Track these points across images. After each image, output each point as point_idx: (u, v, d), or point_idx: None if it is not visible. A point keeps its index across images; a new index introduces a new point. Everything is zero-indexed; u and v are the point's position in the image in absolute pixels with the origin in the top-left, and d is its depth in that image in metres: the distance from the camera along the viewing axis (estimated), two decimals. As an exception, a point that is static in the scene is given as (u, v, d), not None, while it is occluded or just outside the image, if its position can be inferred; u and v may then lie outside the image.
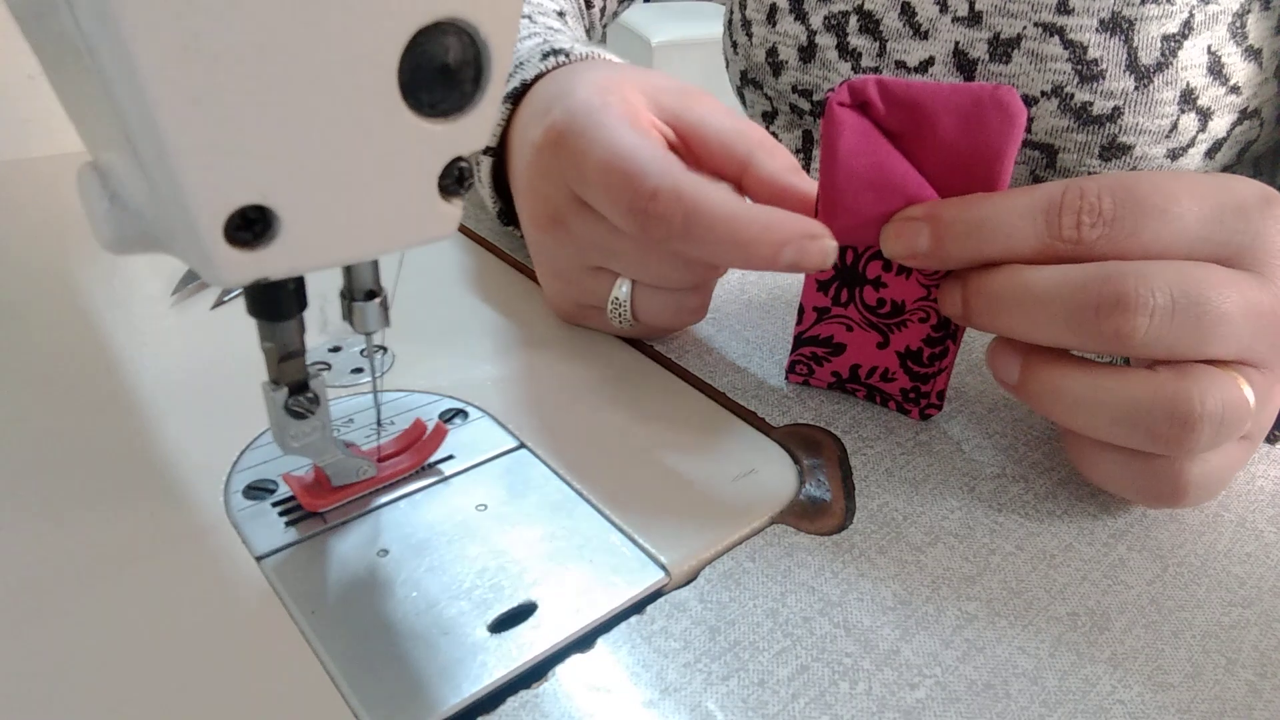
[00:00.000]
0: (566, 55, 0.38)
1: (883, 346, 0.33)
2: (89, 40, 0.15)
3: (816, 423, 0.33)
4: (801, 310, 0.33)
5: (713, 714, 0.22)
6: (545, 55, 0.38)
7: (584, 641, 0.24)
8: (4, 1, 0.22)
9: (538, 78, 0.38)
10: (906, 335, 0.32)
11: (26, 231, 0.45)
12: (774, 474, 0.30)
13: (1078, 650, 0.24)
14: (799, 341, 0.34)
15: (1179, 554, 0.28)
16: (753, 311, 0.41)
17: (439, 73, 0.19)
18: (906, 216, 0.28)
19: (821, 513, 0.29)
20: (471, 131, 0.20)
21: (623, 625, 0.24)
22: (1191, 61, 0.42)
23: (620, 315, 0.35)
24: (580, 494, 0.28)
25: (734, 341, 0.38)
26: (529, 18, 0.45)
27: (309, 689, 0.22)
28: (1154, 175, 0.26)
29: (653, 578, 0.25)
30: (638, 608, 0.25)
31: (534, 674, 0.23)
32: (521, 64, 0.39)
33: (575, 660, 0.23)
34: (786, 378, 0.35)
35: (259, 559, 0.25)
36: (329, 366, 0.35)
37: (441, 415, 0.32)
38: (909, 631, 0.25)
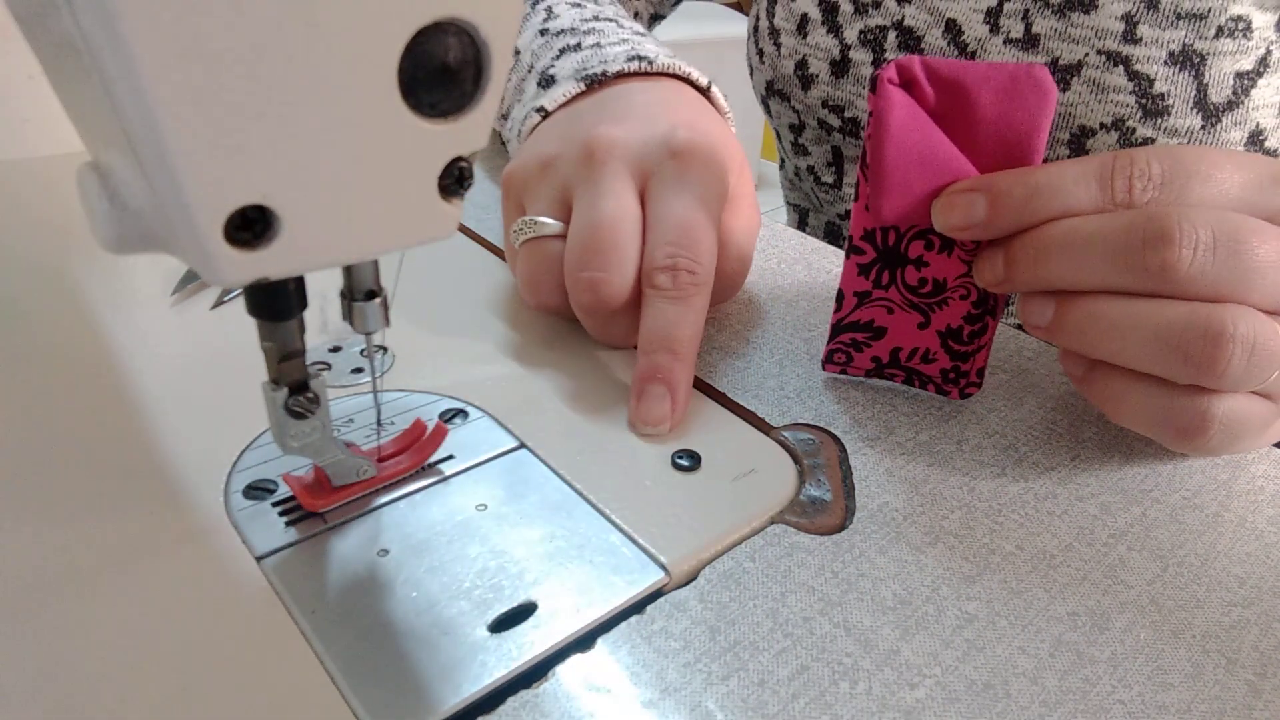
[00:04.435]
0: (650, 62, 0.39)
1: (924, 327, 0.33)
2: (89, 40, 0.15)
3: (816, 423, 0.33)
4: (841, 296, 0.33)
5: (713, 714, 0.22)
6: (630, 58, 0.40)
7: (584, 641, 0.24)
8: (4, 1, 0.22)
9: (619, 75, 0.39)
10: (947, 314, 0.32)
11: (26, 231, 0.45)
12: (774, 474, 0.30)
13: (1078, 650, 0.24)
14: (837, 329, 0.34)
15: (1179, 554, 0.28)
16: (753, 311, 0.41)
17: (439, 73, 0.19)
18: (959, 189, 0.29)
19: (821, 513, 0.29)
20: (471, 131, 0.20)
21: (623, 625, 0.24)
22: (1264, 101, 0.40)
23: (519, 233, 0.36)
24: (580, 494, 0.28)
25: (734, 341, 0.38)
26: (615, 21, 0.45)
27: (309, 689, 0.22)
28: (1197, 147, 0.27)
29: (653, 578, 0.25)
30: (638, 608, 0.25)
31: (534, 674, 0.23)
32: (606, 60, 0.40)
33: (575, 660, 0.23)
34: (823, 368, 0.35)
35: (259, 559, 0.25)
36: (329, 366, 0.35)
37: (441, 415, 0.32)
38: (909, 631, 0.25)
